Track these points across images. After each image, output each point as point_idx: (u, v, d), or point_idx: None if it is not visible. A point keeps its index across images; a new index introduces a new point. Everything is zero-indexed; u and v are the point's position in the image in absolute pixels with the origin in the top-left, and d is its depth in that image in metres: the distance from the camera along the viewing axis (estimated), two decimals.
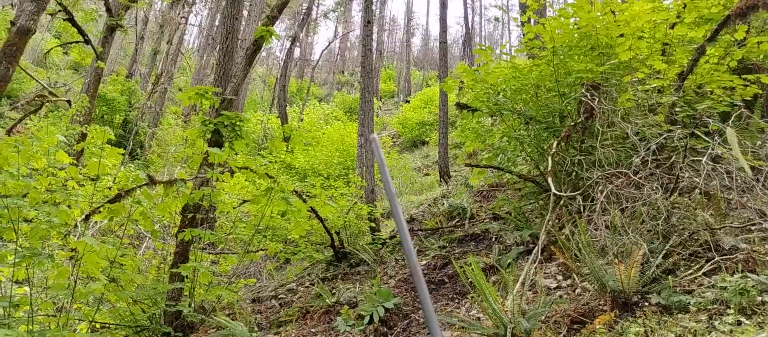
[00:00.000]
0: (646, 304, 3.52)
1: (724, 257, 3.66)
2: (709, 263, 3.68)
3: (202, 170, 6.07)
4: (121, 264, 5.24)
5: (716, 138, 4.38)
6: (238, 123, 6.11)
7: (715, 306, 3.21)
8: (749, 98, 5.58)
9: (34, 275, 4.20)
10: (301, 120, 27.70)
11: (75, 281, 4.42)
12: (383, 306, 5.33)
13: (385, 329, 5.14)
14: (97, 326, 5.37)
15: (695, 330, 3.06)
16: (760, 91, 5.57)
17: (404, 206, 13.85)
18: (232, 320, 5.54)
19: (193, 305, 5.84)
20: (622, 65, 6.10)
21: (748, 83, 5.46)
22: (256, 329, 5.83)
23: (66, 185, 5.52)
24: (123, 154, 5.50)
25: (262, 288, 8.63)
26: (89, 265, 4.51)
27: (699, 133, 4.72)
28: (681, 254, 3.89)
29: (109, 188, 6.01)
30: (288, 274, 8.94)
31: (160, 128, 23.95)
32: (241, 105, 22.84)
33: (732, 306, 3.11)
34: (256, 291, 8.38)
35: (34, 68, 24.57)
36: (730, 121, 4.39)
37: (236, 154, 6.10)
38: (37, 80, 11.87)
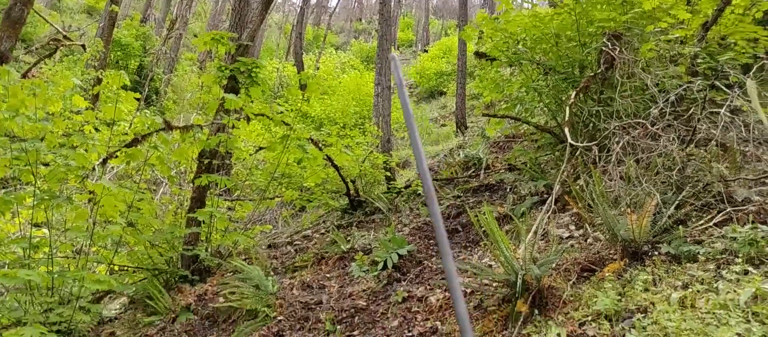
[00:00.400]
0: (656, 253, 3.53)
1: (737, 208, 3.64)
2: (720, 214, 3.66)
3: (218, 116, 6.10)
4: (139, 208, 5.34)
5: (736, 90, 4.29)
6: (254, 69, 6.10)
7: (724, 256, 3.22)
8: None
9: (53, 217, 4.30)
10: (318, 68, 27.51)
11: (93, 224, 4.52)
12: (397, 253, 5.40)
13: (399, 275, 5.21)
14: (116, 268, 5.52)
15: (702, 279, 3.07)
16: None
17: None
18: (249, 264, 5.65)
19: (210, 250, 5.96)
20: (645, 15, 5.94)
21: None
22: (271, 273, 5.95)
23: (82, 129, 5.58)
24: (138, 100, 5.53)
25: (277, 235, 8.76)
26: (107, 208, 4.60)
27: (719, 85, 4.63)
28: (693, 204, 3.87)
29: (126, 133, 6.07)
30: (303, 221, 9.06)
31: (175, 74, 23.94)
32: (256, 52, 22.70)
33: (740, 256, 3.12)
34: (272, 237, 8.52)
35: (47, 12, 24.55)
36: (751, 73, 4.30)
37: (252, 101, 6.11)
38: (51, 24, 11.87)
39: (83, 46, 11.19)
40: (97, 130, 5.65)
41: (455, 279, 0.84)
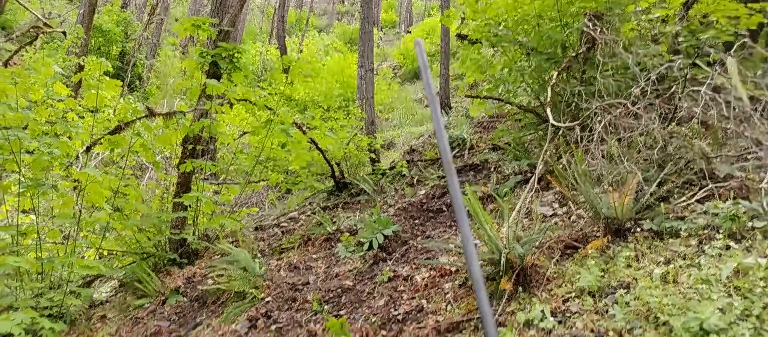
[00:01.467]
0: (639, 230, 3.60)
1: (718, 184, 3.70)
2: (702, 191, 3.72)
3: (201, 101, 6.08)
4: (125, 194, 5.34)
5: (717, 68, 4.35)
6: (235, 55, 6.08)
7: (706, 231, 3.27)
8: (754, 28, 5.49)
9: (39, 204, 4.29)
10: (301, 51, 27.35)
11: (80, 210, 4.51)
12: (382, 233, 5.44)
13: (384, 255, 5.26)
14: (104, 252, 5.52)
15: (684, 254, 3.14)
16: (765, 21, 5.48)
17: (405, 137, 13.89)
18: (236, 246, 5.67)
19: (197, 233, 5.98)
20: None
21: (753, 12, 5.37)
22: (258, 255, 5.97)
23: (65, 117, 5.53)
24: (121, 86, 5.49)
25: (264, 217, 8.77)
26: (93, 195, 4.59)
27: (700, 64, 4.68)
28: (675, 182, 3.94)
29: (109, 120, 6.04)
30: (289, 203, 9.08)
31: (157, 60, 23.70)
32: (239, 36, 22.47)
33: (721, 231, 3.18)
34: (259, 220, 8.53)
35: None
36: (732, 51, 4.35)
37: (235, 86, 6.09)
38: (31, 11, 11.69)
39: (64, 32, 11.02)
40: (80, 117, 5.61)
41: (470, 242, 0.88)
